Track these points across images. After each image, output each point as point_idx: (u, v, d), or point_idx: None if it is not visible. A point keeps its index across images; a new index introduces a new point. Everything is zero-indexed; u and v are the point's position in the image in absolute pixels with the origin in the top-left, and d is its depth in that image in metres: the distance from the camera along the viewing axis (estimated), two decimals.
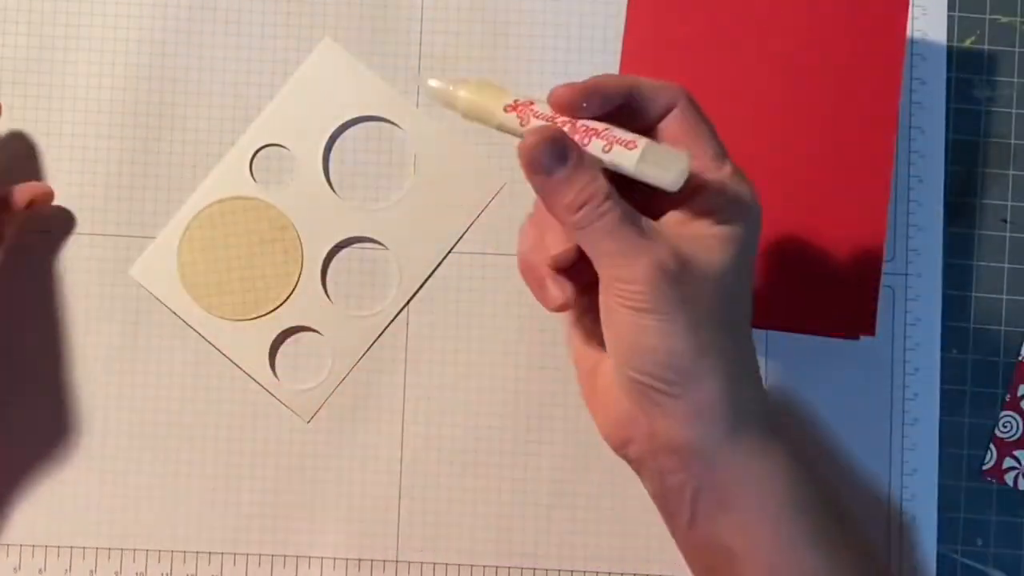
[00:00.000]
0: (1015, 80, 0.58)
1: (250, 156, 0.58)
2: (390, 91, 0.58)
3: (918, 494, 0.57)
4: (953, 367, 0.57)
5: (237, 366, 0.57)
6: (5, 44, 0.58)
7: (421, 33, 0.58)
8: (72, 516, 0.57)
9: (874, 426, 0.57)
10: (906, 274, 0.57)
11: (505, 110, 0.44)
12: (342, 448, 0.57)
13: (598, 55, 0.58)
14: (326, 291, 0.58)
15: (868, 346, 0.56)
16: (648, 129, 0.44)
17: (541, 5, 0.58)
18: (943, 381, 0.57)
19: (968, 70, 0.58)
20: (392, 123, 0.58)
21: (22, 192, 0.55)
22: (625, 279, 0.42)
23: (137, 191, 0.58)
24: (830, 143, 0.54)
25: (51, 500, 0.57)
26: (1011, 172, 0.58)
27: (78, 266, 0.57)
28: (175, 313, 0.57)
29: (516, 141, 0.43)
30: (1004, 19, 0.59)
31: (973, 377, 0.57)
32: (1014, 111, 0.58)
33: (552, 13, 0.58)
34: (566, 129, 0.43)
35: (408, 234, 0.58)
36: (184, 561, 0.57)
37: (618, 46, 0.57)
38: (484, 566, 0.57)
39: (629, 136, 0.42)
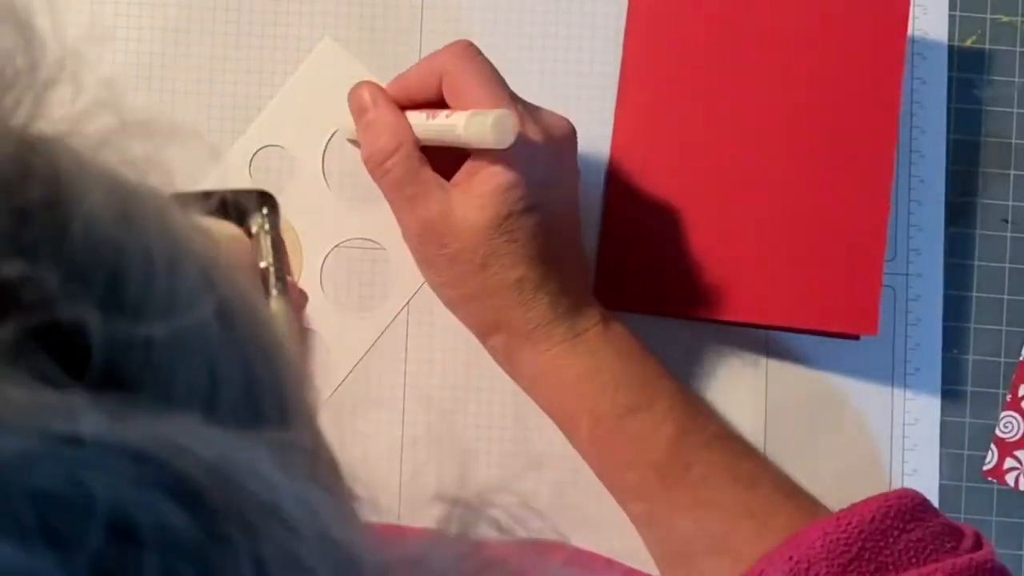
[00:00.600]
0: (1016, 80, 0.58)
1: (250, 156, 0.58)
2: None
3: None
4: (953, 367, 0.57)
5: None
6: None
7: (421, 33, 0.58)
8: None
9: (874, 426, 0.57)
10: (906, 274, 0.57)
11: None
12: (341, 448, 0.57)
13: (598, 55, 0.58)
14: (325, 291, 0.57)
15: (868, 346, 0.56)
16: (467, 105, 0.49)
17: (541, 5, 0.58)
18: (943, 381, 0.57)
19: (969, 70, 0.58)
20: None
21: None
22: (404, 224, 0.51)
23: None
24: (831, 143, 0.54)
25: None
26: (1012, 172, 0.58)
27: None
28: None
29: None
30: (1005, 19, 0.58)
31: (973, 377, 0.57)
32: (1015, 111, 0.58)
33: (552, 13, 0.58)
34: (423, 115, 0.50)
35: None
36: None
37: (619, 46, 0.57)
38: None
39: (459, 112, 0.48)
